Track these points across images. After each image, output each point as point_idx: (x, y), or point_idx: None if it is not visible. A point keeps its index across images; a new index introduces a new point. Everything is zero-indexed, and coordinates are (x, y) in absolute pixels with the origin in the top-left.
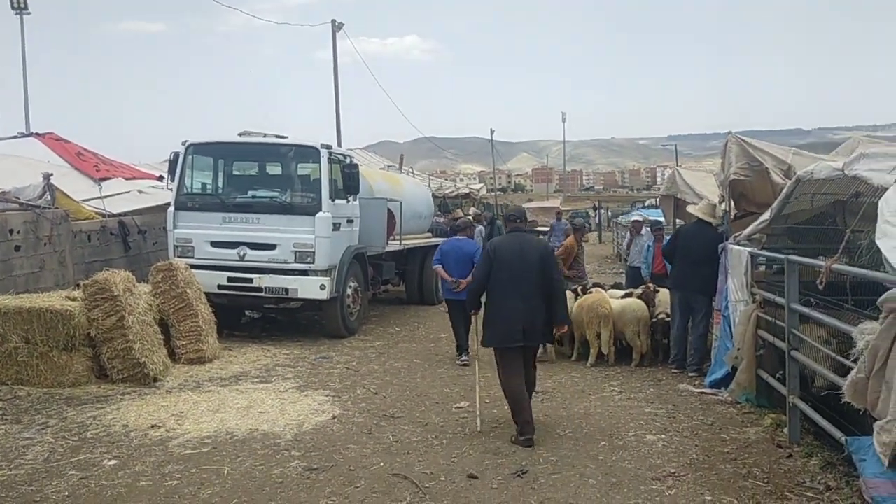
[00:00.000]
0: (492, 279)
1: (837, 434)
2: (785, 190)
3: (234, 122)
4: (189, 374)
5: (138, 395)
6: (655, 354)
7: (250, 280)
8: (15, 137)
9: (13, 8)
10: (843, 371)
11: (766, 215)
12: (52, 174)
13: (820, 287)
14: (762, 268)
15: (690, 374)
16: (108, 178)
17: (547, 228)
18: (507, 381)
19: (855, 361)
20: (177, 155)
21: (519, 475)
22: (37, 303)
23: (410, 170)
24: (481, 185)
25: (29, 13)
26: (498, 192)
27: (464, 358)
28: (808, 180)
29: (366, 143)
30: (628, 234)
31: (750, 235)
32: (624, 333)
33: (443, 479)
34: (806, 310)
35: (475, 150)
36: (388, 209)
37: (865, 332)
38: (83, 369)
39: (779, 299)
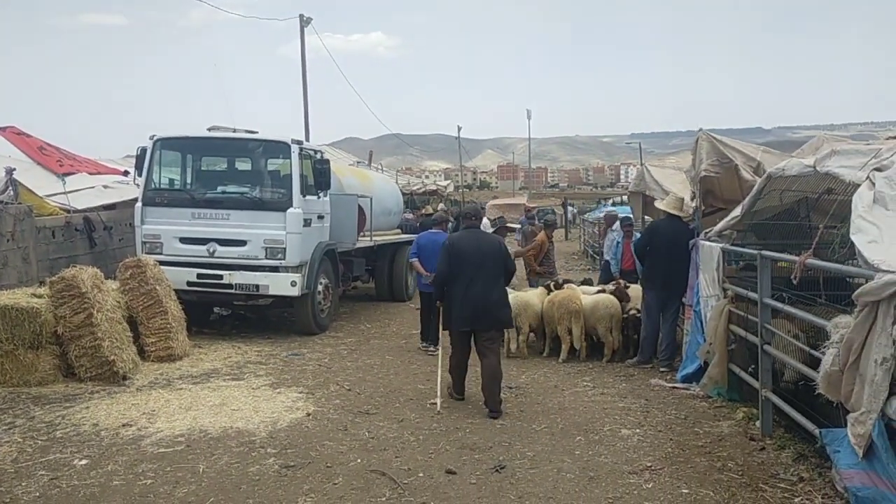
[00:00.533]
0: (452, 271)
1: (810, 426)
2: (756, 186)
3: (200, 117)
4: (159, 372)
5: (108, 394)
6: (626, 350)
7: (220, 276)
8: None
9: None
10: (815, 364)
11: (737, 211)
12: (14, 169)
13: (794, 281)
14: (732, 264)
15: (662, 370)
16: (72, 174)
17: (517, 226)
18: (453, 356)
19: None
20: (144, 150)
21: (497, 470)
22: (1, 300)
23: (380, 166)
24: (448, 181)
25: None
26: (464, 189)
27: (430, 348)
28: (779, 177)
29: (331, 139)
30: (603, 227)
31: (720, 231)
32: (596, 329)
33: (421, 474)
34: (780, 304)
35: (441, 146)
36: (359, 205)
37: (840, 326)
38: (50, 367)
39: (752, 294)
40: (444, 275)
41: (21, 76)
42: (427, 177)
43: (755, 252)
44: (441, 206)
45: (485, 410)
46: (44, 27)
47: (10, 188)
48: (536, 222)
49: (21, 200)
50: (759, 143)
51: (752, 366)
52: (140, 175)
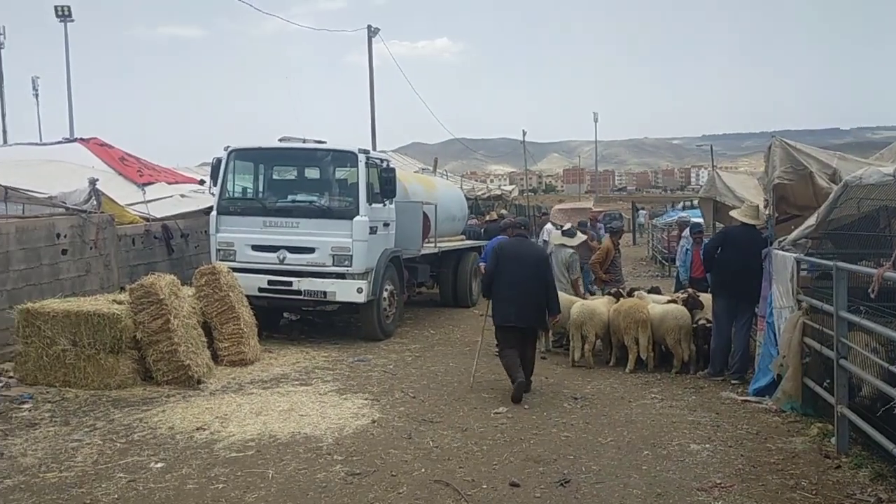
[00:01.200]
0: (497, 272)
1: (889, 445)
2: (832, 195)
3: (270, 125)
4: (231, 377)
5: (183, 398)
6: (696, 361)
7: (290, 283)
8: (60, 143)
9: (57, 16)
10: (894, 380)
11: (812, 220)
12: (97, 179)
13: (872, 295)
14: (807, 273)
15: (733, 382)
16: (151, 183)
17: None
18: (502, 351)
19: None
20: (219, 160)
21: (562, 484)
22: (84, 306)
23: (444, 172)
24: (513, 186)
25: (72, 20)
26: (529, 193)
27: None
28: (856, 185)
29: (397, 144)
30: (676, 233)
31: (795, 240)
32: (665, 340)
33: (485, 486)
34: (856, 318)
35: (505, 150)
36: (423, 212)
37: None
38: (129, 371)
39: (827, 307)
40: (490, 274)
41: (103, 87)
42: (491, 181)
43: (831, 263)
44: (503, 211)
45: (550, 421)
46: (125, 39)
47: (94, 198)
48: (595, 229)
49: (103, 210)
50: (837, 144)
51: (828, 380)
52: (215, 185)
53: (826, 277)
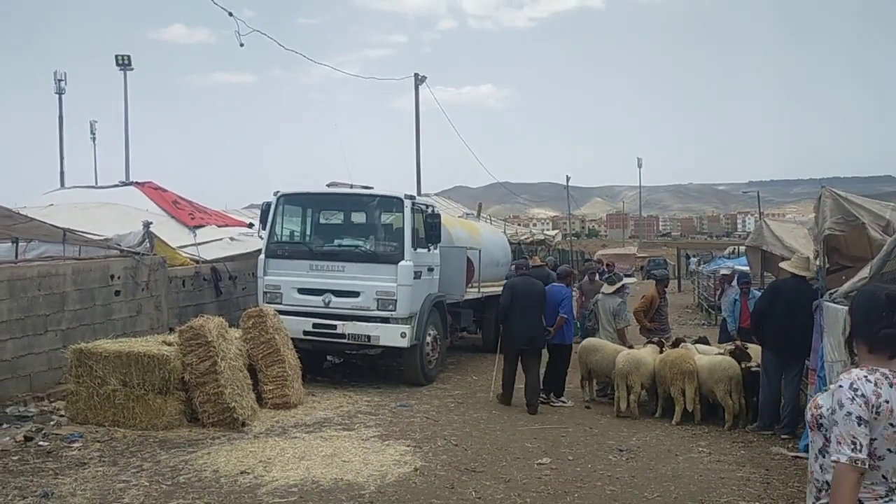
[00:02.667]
0: (511, 305)
1: None
2: (886, 247)
3: (318, 168)
4: (275, 420)
5: (227, 440)
6: (746, 414)
7: (334, 326)
8: (116, 186)
9: (118, 65)
10: None
11: (865, 272)
12: (151, 222)
13: None
14: None
15: (783, 437)
16: (202, 226)
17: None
18: (506, 373)
19: None
20: (268, 204)
21: None
22: (135, 347)
23: (487, 217)
24: (556, 231)
25: (132, 69)
26: (572, 238)
27: (560, 401)
28: None
29: (441, 188)
30: (720, 286)
31: (847, 293)
32: (714, 392)
33: None
34: None
35: (549, 195)
36: (468, 257)
37: None
38: (176, 412)
39: None
40: (505, 308)
41: (158, 131)
42: (535, 225)
43: None
44: (549, 257)
45: (595, 474)
46: (180, 85)
47: (147, 241)
48: (598, 277)
49: (156, 252)
50: (889, 192)
51: None
52: (264, 228)
53: None
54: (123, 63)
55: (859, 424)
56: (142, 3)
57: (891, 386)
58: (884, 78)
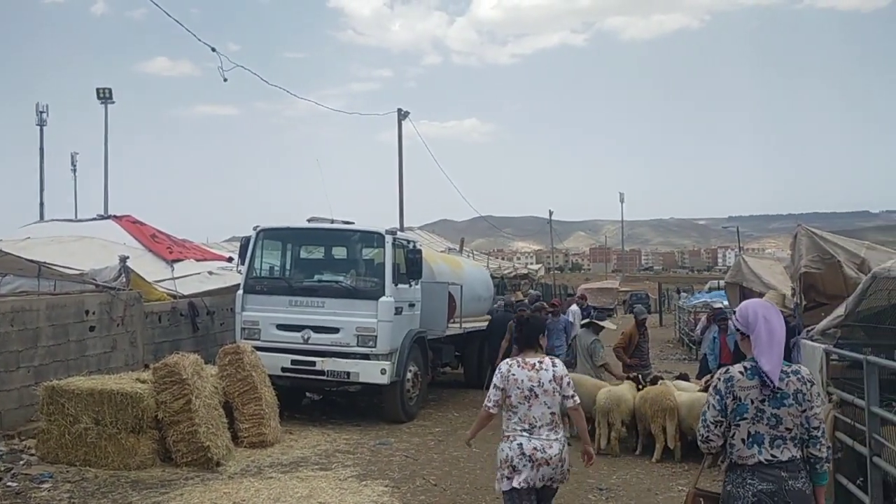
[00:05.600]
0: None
1: None
2: (861, 285)
3: (299, 201)
4: (251, 459)
5: (201, 481)
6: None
7: (313, 363)
8: (94, 220)
9: (99, 98)
10: None
11: (841, 310)
12: (128, 257)
13: None
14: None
15: None
16: (180, 260)
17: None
18: None
19: None
20: (248, 239)
21: None
22: (108, 385)
23: (470, 251)
24: (539, 265)
25: (113, 102)
26: (555, 272)
27: None
28: (884, 277)
29: (425, 221)
30: (704, 319)
31: (824, 330)
32: (694, 429)
33: None
34: (889, 414)
35: (532, 228)
36: (449, 293)
37: None
38: (149, 452)
39: (858, 401)
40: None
41: (139, 164)
42: (518, 259)
43: (861, 357)
44: (532, 291)
45: None
46: (162, 117)
47: (123, 275)
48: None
49: (132, 287)
50: (866, 227)
51: (861, 478)
52: (243, 263)
53: (857, 367)
54: (104, 96)
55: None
56: (126, 37)
57: (520, 367)
58: (861, 116)
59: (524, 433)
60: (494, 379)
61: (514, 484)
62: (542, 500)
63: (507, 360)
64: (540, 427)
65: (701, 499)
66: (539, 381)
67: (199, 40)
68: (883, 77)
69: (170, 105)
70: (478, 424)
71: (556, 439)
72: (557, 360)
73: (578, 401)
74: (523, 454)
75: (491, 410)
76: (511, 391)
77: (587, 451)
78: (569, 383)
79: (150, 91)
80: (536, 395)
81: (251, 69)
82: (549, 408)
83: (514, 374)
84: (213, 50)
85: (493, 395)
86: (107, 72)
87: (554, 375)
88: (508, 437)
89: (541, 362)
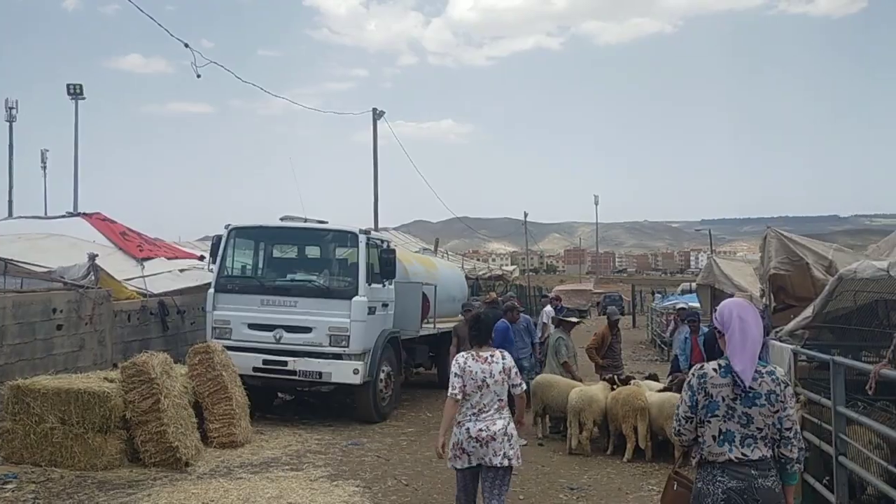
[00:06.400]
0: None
1: None
2: (828, 287)
3: (274, 200)
4: (220, 459)
5: (169, 481)
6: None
7: (285, 363)
8: (63, 217)
9: (69, 94)
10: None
11: (809, 312)
12: (97, 255)
13: (869, 392)
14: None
15: None
16: (151, 258)
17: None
18: None
19: None
20: (219, 238)
21: None
22: (75, 384)
23: (445, 252)
24: (514, 266)
25: (84, 98)
26: (530, 273)
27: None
28: (850, 279)
29: (400, 222)
30: (672, 322)
31: (792, 331)
32: (664, 429)
33: None
34: (854, 414)
35: (507, 230)
36: (423, 293)
37: None
38: (116, 452)
39: (824, 401)
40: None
41: (111, 161)
42: (493, 260)
43: (827, 357)
44: (510, 293)
45: None
46: (134, 115)
47: (92, 273)
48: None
49: (101, 285)
50: (835, 231)
51: (827, 477)
52: (214, 262)
53: (824, 368)
54: (75, 92)
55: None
56: (99, 32)
57: (474, 360)
58: (833, 122)
59: (472, 417)
60: (453, 369)
61: (467, 464)
62: (497, 478)
63: (463, 353)
64: (487, 411)
65: (675, 482)
66: (490, 373)
67: (172, 35)
68: (854, 84)
69: (143, 102)
70: (446, 415)
71: (501, 418)
72: (507, 354)
73: (524, 387)
74: (471, 437)
75: (457, 397)
76: (466, 381)
77: (520, 421)
78: (516, 373)
79: (122, 88)
80: (488, 385)
81: (225, 66)
82: (497, 395)
83: (469, 367)
84: (186, 46)
85: (455, 383)
86: (78, 68)
87: (503, 367)
88: (460, 422)
89: (492, 356)
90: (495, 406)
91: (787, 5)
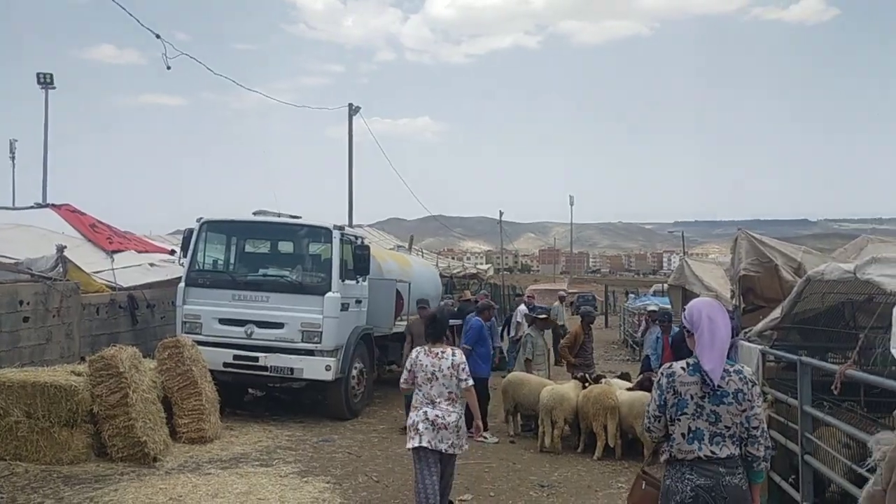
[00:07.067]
0: None
1: None
2: (796, 288)
3: (247, 196)
4: (189, 455)
5: (137, 476)
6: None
7: (256, 358)
8: (31, 208)
9: (39, 83)
10: (859, 478)
11: (777, 313)
12: (65, 246)
13: (834, 392)
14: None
15: None
16: (121, 251)
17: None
18: None
19: (871, 472)
20: (191, 231)
21: None
22: (41, 377)
23: (420, 250)
24: (488, 265)
25: (54, 88)
26: (505, 273)
27: (484, 436)
28: (818, 280)
29: (376, 219)
30: (643, 322)
31: (761, 332)
32: (634, 428)
33: None
34: (820, 414)
35: (482, 229)
36: (397, 290)
37: (882, 443)
38: (83, 446)
39: (791, 400)
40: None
41: (82, 153)
42: (468, 259)
43: (794, 357)
44: (484, 291)
45: None
46: (106, 106)
47: (60, 265)
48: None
49: (69, 277)
50: (805, 236)
51: (794, 476)
52: (185, 255)
53: (792, 368)
54: (45, 81)
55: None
56: (71, 23)
57: (426, 354)
58: (804, 127)
59: (428, 405)
60: (406, 363)
61: (419, 443)
62: (445, 464)
63: (417, 348)
64: (440, 402)
65: (643, 481)
66: (439, 367)
67: (143, 26)
68: (826, 89)
69: (114, 93)
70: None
71: (454, 411)
72: (458, 351)
73: (472, 383)
74: (426, 419)
75: (402, 386)
76: (417, 373)
77: (477, 425)
78: (464, 369)
79: (94, 78)
80: (437, 378)
81: (198, 58)
82: (446, 388)
83: (420, 360)
84: (158, 37)
85: (403, 374)
86: (49, 57)
87: (452, 363)
88: (416, 408)
89: (443, 352)
90: (446, 397)
91: (761, 11)
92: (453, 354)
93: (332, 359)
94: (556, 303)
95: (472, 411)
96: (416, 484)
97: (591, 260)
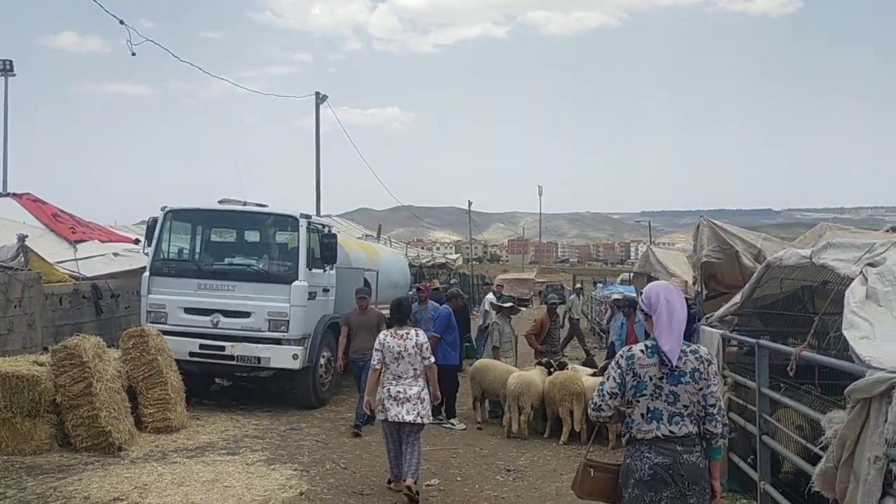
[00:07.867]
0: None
1: None
2: (755, 274)
3: (214, 186)
4: (155, 444)
5: (101, 466)
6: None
7: (222, 348)
8: None
9: None
10: (813, 457)
11: (738, 298)
12: (27, 236)
13: (790, 373)
14: (735, 349)
15: None
16: (84, 241)
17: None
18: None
19: (824, 449)
20: (155, 220)
21: None
22: (3, 367)
23: (388, 239)
24: (458, 255)
25: (14, 75)
26: (474, 262)
27: (451, 423)
28: (777, 266)
29: (344, 209)
30: (609, 310)
31: (722, 317)
32: None
33: None
34: (776, 395)
35: (452, 219)
36: (365, 279)
37: (834, 421)
38: (46, 436)
39: (750, 383)
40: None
41: (44, 142)
42: (437, 248)
43: (753, 341)
44: (453, 280)
45: (482, 494)
46: (69, 95)
47: (22, 255)
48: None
49: (31, 267)
50: (769, 225)
51: (752, 456)
52: (149, 245)
53: (752, 353)
54: (5, 68)
55: (376, 351)
56: (31, 8)
57: (392, 337)
58: (768, 118)
59: (393, 381)
60: (375, 345)
61: (385, 417)
62: (411, 432)
63: (385, 331)
64: (404, 378)
65: (591, 468)
66: (405, 347)
67: (107, 12)
68: (789, 80)
69: (77, 81)
70: (370, 382)
71: (416, 385)
72: (421, 332)
73: (433, 360)
74: (391, 395)
75: (375, 367)
76: (385, 354)
77: (436, 395)
78: (427, 348)
79: (55, 66)
80: (403, 357)
81: (163, 45)
82: (411, 365)
83: (387, 342)
84: (122, 23)
85: (376, 356)
86: (8, 43)
87: (416, 343)
88: (383, 384)
89: (407, 333)
90: (410, 374)
91: (726, 3)
92: (417, 335)
93: (300, 347)
94: (573, 296)
95: (432, 384)
96: (386, 451)
97: (559, 250)
